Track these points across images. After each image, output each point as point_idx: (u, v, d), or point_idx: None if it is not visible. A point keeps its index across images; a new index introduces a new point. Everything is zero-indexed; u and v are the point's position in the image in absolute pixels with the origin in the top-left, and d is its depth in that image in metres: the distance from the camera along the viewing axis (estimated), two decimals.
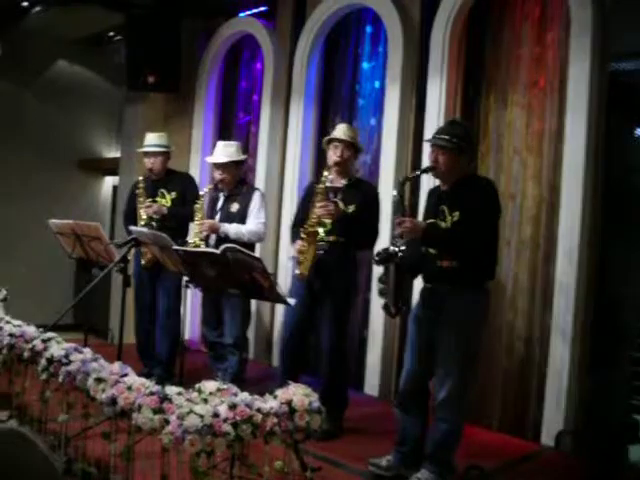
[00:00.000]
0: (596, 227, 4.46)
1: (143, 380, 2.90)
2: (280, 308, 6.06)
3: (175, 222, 5.03)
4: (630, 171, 5.03)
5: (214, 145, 6.93)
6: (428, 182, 4.68)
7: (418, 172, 3.76)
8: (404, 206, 3.55)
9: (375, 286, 3.66)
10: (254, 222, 4.76)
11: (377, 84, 5.70)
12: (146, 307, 5.22)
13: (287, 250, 5.99)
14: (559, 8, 4.65)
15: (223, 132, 6.92)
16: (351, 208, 4.21)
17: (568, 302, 4.35)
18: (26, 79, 7.93)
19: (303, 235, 4.18)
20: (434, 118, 5.01)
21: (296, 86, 6.10)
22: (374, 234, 4.27)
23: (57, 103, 8.09)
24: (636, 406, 4.80)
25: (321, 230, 4.17)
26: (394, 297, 3.53)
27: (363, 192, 4.27)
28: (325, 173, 4.28)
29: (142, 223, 4.98)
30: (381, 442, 3.97)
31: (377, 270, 4.22)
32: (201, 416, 2.48)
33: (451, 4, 5.04)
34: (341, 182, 4.32)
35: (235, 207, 4.81)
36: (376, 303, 4.78)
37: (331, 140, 4.32)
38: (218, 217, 4.80)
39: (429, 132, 4.69)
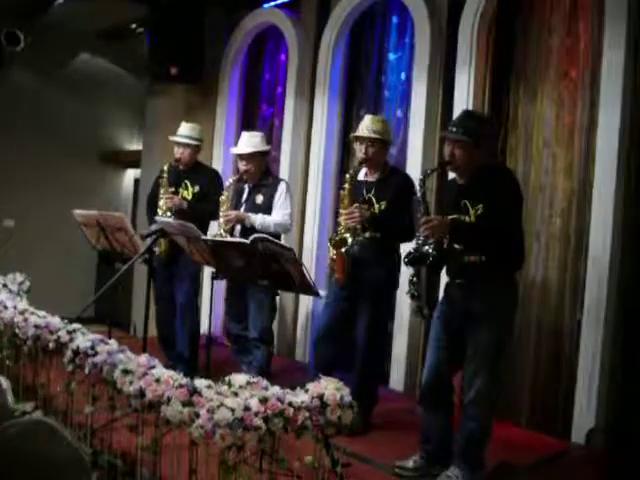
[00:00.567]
0: (630, 221, 4.35)
1: (171, 372, 2.85)
2: (303, 302, 6.02)
3: (195, 218, 4.95)
4: None
5: (237, 137, 6.94)
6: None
7: (436, 168, 3.69)
8: (427, 203, 3.47)
9: (406, 289, 3.54)
10: (280, 213, 4.71)
11: (403, 75, 5.62)
12: (165, 299, 5.16)
13: (311, 241, 5.94)
14: None
15: (246, 124, 6.86)
16: (383, 205, 4.12)
17: (600, 297, 4.25)
18: (48, 72, 7.91)
19: (331, 245, 4.09)
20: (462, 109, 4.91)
21: (321, 77, 6.03)
22: (407, 230, 4.03)
23: (79, 96, 8.07)
24: None
25: (349, 238, 4.07)
26: (427, 299, 3.46)
27: (395, 186, 4.16)
28: (347, 176, 4.20)
29: (159, 213, 4.94)
30: (408, 438, 3.92)
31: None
32: (232, 410, 2.43)
33: None
34: (374, 176, 4.24)
35: (260, 198, 4.76)
36: (401, 297, 4.70)
37: (355, 137, 4.23)
38: (243, 209, 4.76)
39: None
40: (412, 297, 3.49)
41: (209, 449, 2.57)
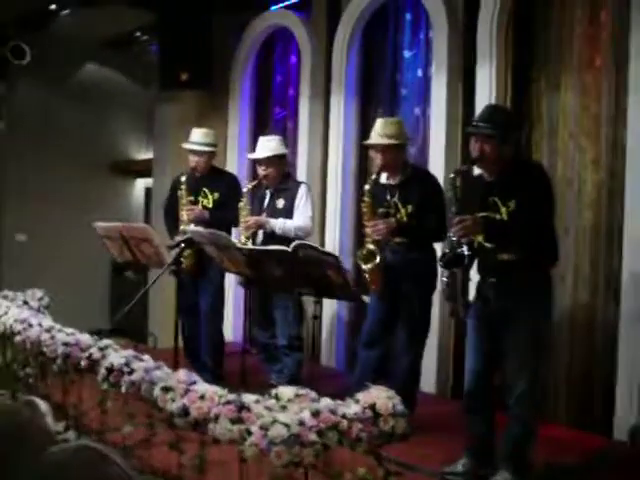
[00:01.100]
0: None
1: (215, 388, 2.77)
2: (327, 305, 5.92)
3: (217, 227, 4.87)
4: None
5: (251, 142, 6.88)
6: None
7: (467, 166, 3.60)
8: (458, 202, 3.38)
9: (441, 291, 3.46)
10: (301, 217, 4.63)
11: (420, 72, 5.54)
12: (190, 310, 5.05)
13: (332, 245, 5.85)
14: None
15: (259, 128, 6.79)
16: (409, 208, 4.03)
17: (637, 290, 4.16)
18: (55, 83, 7.86)
19: (360, 261, 3.99)
20: (485, 104, 4.81)
21: (336, 78, 5.94)
22: (436, 231, 3.99)
23: (86, 106, 8.01)
24: None
25: (377, 251, 3.95)
26: (463, 299, 3.37)
27: (422, 187, 4.06)
28: (367, 187, 4.10)
29: (182, 226, 4.84)
30: (449, 441, 3.86)
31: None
32: (287, 425, 2.34)
33: None
34: (396, 179, 4.14)
35: (282, 203, 4.68)
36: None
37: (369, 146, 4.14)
38: (265, 214, 4.68)
39: None
40: (447, 299, 3.41)
41: (259, 465, 2.49)
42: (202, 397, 2.71)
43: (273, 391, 2.66)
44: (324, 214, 5.99)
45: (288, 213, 4.63)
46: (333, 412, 2.50)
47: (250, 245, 4.42)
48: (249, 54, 6.82)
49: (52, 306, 5.31)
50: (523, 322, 3.31)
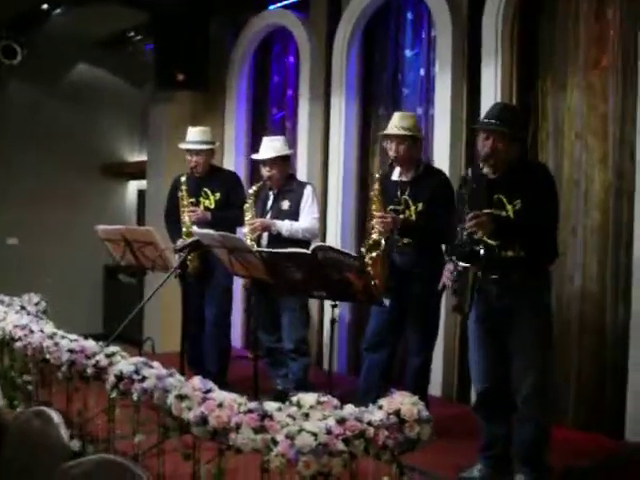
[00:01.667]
0: None
1: (233, 396, 2.68)
2: (328, 308, 5.83)
3: (221, 228, 4.77)
4: None
5: (248, 143, 6.81)
6: None
7: (481, 163, 3.54)
8: (471, 200, 3.33)
9: (445, 285, 3.40)
10: (307, 218, 4.55)
11: (421, 72, 5.48)
12: (195, 316, 4.91)
13: (333, 244, 5.77)
14: None
15: (257, 129, 6.71)
16: (420, 206, 3.97)
17: None
18: (47, 83, 7.77)
19: (365, 250, 3.91)
20: (490, 104, 4.75)
21: (336, 78, 5.87)
22: (446, 235, 3.86)
23: (78, 107, 7.92)
24: None
25: (382, 240, 3.90)
26: (471, 295, 3.31)
27: (433, 184, 4.01)
28: (376, 176, 4.07)
29: (184, 229, 4.75)
30: (460, 446, 3.80)
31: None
32: (314, 434, 2.25)
33: None
34: (408, 175, 4.09)
35: (286, 204, 4.59)
36: None
37: (385, 135, 4.09)
38: (269, 215, 4.59)
39: None
40: (454, 293, 3.33)
41: (280, 475, 2.41)
42: (220, 405, 2.62)
43: (294, 398, 2.58)
44: (325, 216, 5.91)
45: (293, 215, 4.54)
46: (359, 419, 2.42)
47: (255, 247, 4.32)
48: (246, 54, 6.73)
49: (47, 310, 5.22)
50: (527, 320, 3.30)
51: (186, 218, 4.75)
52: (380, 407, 2.56)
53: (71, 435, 3.70)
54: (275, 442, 2.31)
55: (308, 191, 4.62)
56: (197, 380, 2.88)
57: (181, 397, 2.80)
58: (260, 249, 3.46)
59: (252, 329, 4.27)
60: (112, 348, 3.48)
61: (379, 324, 4.05)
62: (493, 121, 3.38)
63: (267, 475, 2.50)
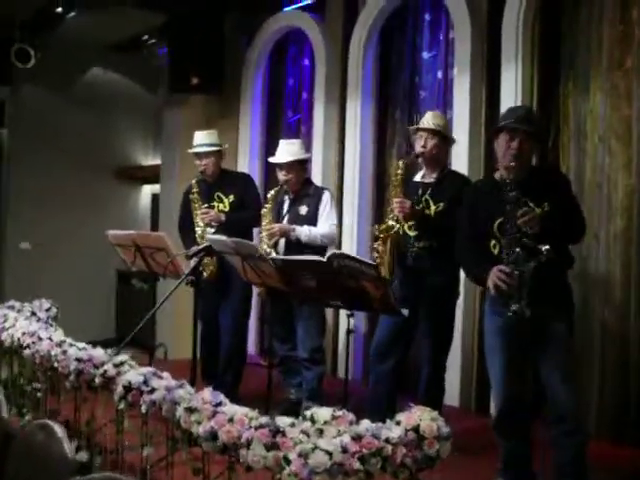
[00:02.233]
0: None
1: (245, 410, 2.57)
2: (344, 316, 5.73)
3: (235, 229, 4.67)
4: None
5: (262, 146, 6.72)
6: None
7: (512, 165, 3.41)
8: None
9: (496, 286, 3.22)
10: (326, 224, 4.43)
11: (439, 74, 5.37)
12: (210, 324, 4.81)
13: (349, 250, 5.67)
14: None
15: (272, 132, 6.62)
16: (440, 206, 3.87)
17: None
18: (60, 87, 7.74)
19: (377, 233, 3.86)
20: (510, 105, 4.64)
21: (352, 80, 5.78)
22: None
23: (92, 111, 7.89)
24: None
25: (396, 224, 3.82)
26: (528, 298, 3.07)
27: (454, 186, 3.88)
28: (400, 164, 3.99)
29: (199, 232, 4.65)
30: (480, 459, 3.76)
31: None
32: (329, 453, 2.14)
33: None
34: (431, 177, 4.00)
35: (304, 209, 4.46)
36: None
37: (416, 129, 4.01)
38: (286, 220, 4.47)
39: None
40: (509, 297, 3.07)
41: None
42: (231, 420, 2.51)
43: (307, 412, 2.47)
44: (340, 221, 5.79)
45: (311, 220, 4.42)
46: (376, 436, 2.30)
47: (274, 254, 4.21)
48: (261, 56, 6.65)
49: (58, 316, 5.16)
50: (568, 323, 3.22)
51: (199, 222, 4.65)
52: (398, 423, 2.45)
53: (79, 446, 3.65)
54: (287, 460, 2.20)
55: (327, 197, 4.51)
56: (207, 393, 2.79)
57: (190, 410, 2.70)
58: (274, 257, 3.35)
59: (267, 338, 4.14)
60: (120, 357, 3.39)
61: (384, 334, 3.95)
62: (521, 123, 3.27)
63: None
